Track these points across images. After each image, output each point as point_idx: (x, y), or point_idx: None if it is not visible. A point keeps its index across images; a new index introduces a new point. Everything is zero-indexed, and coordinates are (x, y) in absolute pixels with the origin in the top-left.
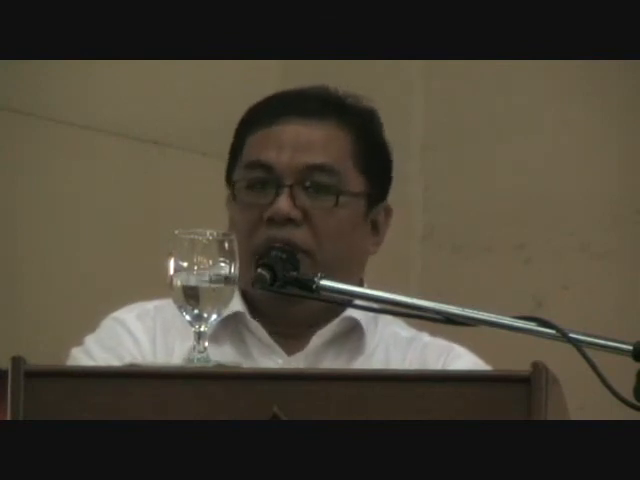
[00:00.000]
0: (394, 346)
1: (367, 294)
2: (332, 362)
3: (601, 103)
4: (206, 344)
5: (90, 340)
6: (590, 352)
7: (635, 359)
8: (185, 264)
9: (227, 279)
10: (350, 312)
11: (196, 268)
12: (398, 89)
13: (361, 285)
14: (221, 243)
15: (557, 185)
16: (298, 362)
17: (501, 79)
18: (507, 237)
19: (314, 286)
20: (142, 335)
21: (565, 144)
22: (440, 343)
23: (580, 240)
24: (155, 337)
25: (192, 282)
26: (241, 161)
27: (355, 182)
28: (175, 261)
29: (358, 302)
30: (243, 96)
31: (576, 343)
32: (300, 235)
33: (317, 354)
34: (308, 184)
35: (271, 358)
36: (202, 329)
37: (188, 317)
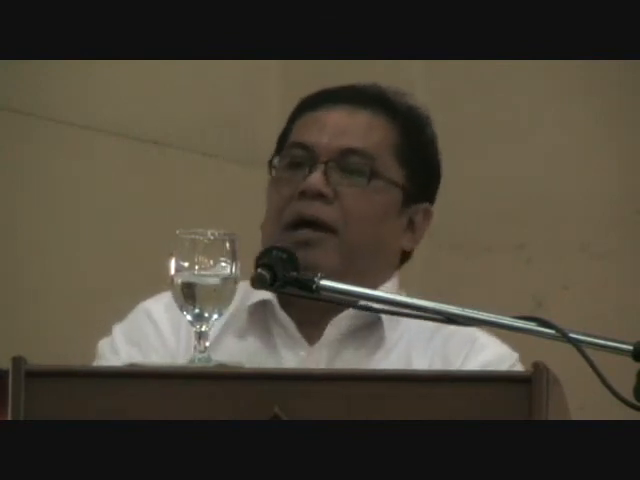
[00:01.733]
0: (417, 337)
1: (367, 294)
2: (353, 354)
3: (601, 103)
4: (207, 344)
5: (117, 331)
6: (590, 352)
7: (635, 359)
8: (186, 264)
9: (228, 279)
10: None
11: (197, 268)
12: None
13: (386, 275)
14: (222, 243)
15: (557, 185)
16: (320, 353)
17: (501, 79)
18: (507, 237)
19: (314, 286)
20: (167, 327)
21: (565, 144)
22: (464, 332)
23: (580, 240)
24: (180, 329)
25: (193, 282)
26: (286, 145)
27: (393, 171)
28: (176, 261)
29: (362, 303)
30: (243, 96)
31: (576, 343)
32: (328, 212)
33: (338, 346)
34: (342, 164)
35: (294, 349)
36: (203, 329)
37: (189, 317)
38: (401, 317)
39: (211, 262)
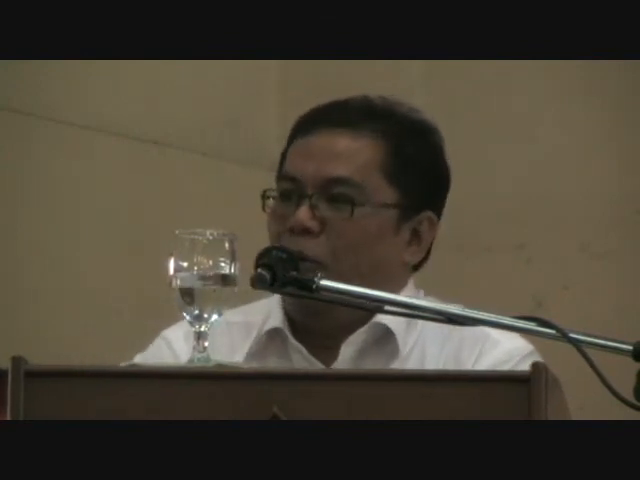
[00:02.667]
0: (432, 342)
1: (367, 294)
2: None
3: (601, 103)
4: (206, 344)
5: (138, 359)
6: (590, 352)
7: (635, 359)
8: (185, 264)
9: (227, 279)
10: (378, 318)
11: (196, 268)
12: (398, 89)
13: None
14: (221, 243)
15: (557, 185)
16: None
17: (501, 79)
18: (507, 237)
19: (314, 286)
20: (185, 357)
21: (565, 144)
22: (477, 332)
23: (580, 240)
24: None
25: (192, 282)
26: (280, 174)
27: (383, 193)
28: (175, 261)
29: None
30: (243, 96)
31: (576, 343)
32: (313, 246)
33: (354, 364)
34: (328, 194)
35: None
36: (202, 329)
37: (188, 317)
38: (416, 323)
39: (210, 262)
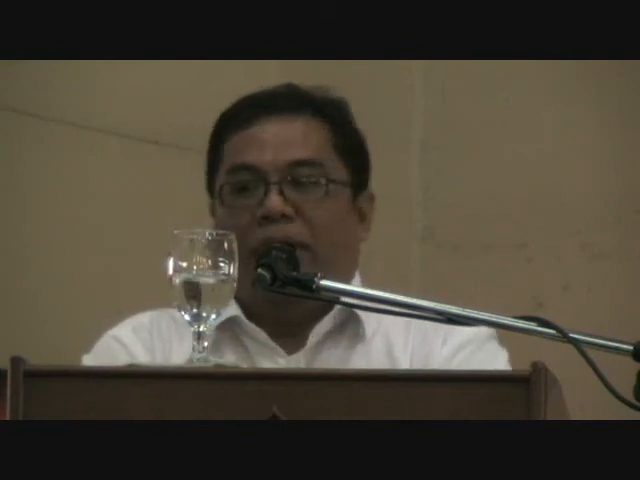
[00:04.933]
0: (394, 325)
1: (367, 294)
2: (330, 351)
3: (601, 103)
4: (205, 344)
5: (87, 360)
6: (590, 352)
7: (635, 359)
8: (184, 264)
9: (226, 279)
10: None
11: (195, 268)
12: (398, 89)
13: (352, 274)
14: (220, 243)
15: (557, 185)
16: (299, 359)
17: (501, 79)
18: (507, 237)
19: (314, 286)
20: (139, 348)
21: (565, 144)
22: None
23: (580, 240)
24: (153, 348)
25: (191, 282)
26: (221, 168)
27: (339, 172)
28: (174, 261)
29: (353, 301)
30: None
31: (576, 343)
32: (296, 230)
33: (316, 347)
34: (295, 179)
35: (272, 359)
36: (201, 329)
37: (187, 317)
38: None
39: (209, 262)
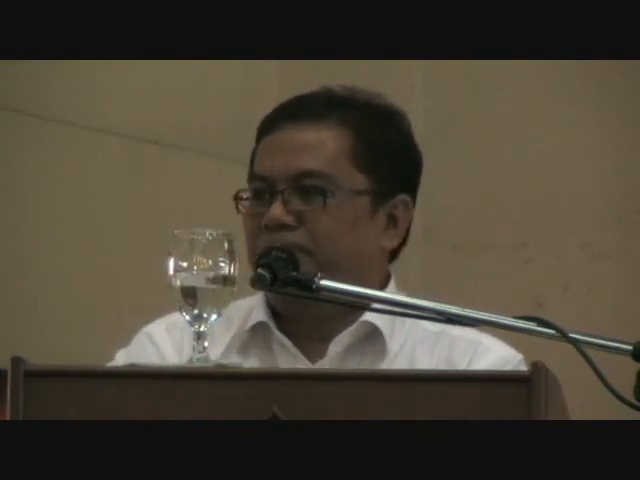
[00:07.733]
0: (421, 343)
1: (367, 294)
2: (356, 367)
3: (601, 103)
4: (206, 344)
5: (120, 355)
6: (590, 352)
7: (635, 359)
8: (185, 264)
9: (226, 279)
10: (367, 316)
11: (196, 268)
12: (398, 89)
13: (387, 281)
14: (221, 243)
15: (557, 185)
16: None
17: (501, 79)
18: (507, 237)
19: (314, 286)
20: (169, 349)
21: (565, 144)
22: (468, 337)
23: (580, 240)
24: (182, 349)
25: (191, 282)
26: (251, 174)
27: (354, 181)
28: (175, 261)
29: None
30: (243, 96)
31: (576, 343)
32: (295, 237)
33: (340, 361)
34: (300, 188)
35: (295, 366)
36: (202, 329)
37: (188, 317)
38: (403, 323)
39: (209, 262)
